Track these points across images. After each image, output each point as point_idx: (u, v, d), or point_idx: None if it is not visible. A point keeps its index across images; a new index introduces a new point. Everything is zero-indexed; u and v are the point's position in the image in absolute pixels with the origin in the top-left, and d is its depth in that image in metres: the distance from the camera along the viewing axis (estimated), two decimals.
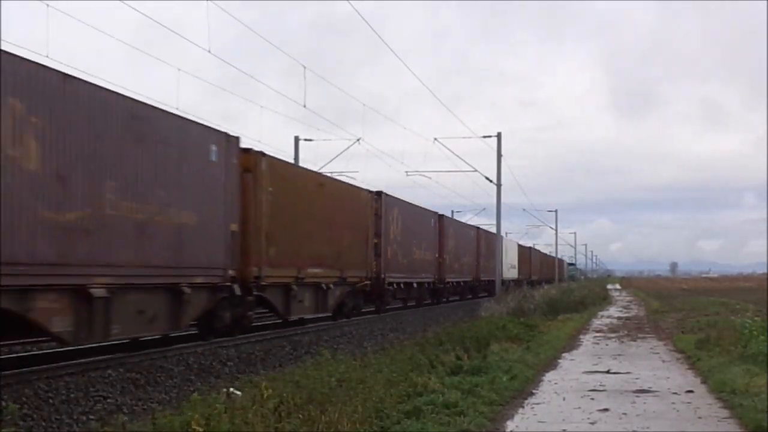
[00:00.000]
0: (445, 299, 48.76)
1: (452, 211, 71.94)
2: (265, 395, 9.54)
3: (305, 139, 45.35)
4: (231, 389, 10.79)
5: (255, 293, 23.09)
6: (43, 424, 12.02)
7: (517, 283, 62.41)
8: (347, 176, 37.36)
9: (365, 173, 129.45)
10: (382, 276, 35.54)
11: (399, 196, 37.49)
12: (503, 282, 56.95)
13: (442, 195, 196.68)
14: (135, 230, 17.61)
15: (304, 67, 30.56)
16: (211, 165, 20.93)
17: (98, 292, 16.38)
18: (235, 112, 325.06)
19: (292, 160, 36.42)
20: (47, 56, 16.58)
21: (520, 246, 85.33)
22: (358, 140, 43.34)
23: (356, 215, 32.40)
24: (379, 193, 36.28)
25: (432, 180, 56.41)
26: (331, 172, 37.65)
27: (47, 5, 17.96)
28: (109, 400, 13.82)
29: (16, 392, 13.14)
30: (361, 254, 32.68)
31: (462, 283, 52.05)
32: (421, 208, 43.98)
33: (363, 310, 34.54)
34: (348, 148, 44.17)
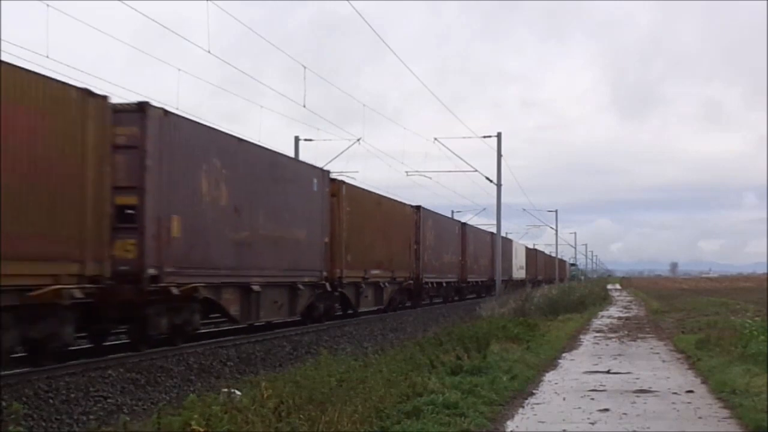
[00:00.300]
0: (464, 296, 50.30)
1: (452, 211, 65.08)
2: (265, 395, 8.50)
3: (305, 139, 39.42)
4: (231, 389, 9.52)
5: (338, 290, 27.03)
6: (43, 424, 10.67)
7: (524, 282, 62.18)
8: (347, 176, 34.21)
9: (365, 173, 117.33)
10: (420, 276, 37.82)
11: (399, 196, 37.41)
12: (513, 281, 55.55)
13: (442, 195, 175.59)
14: (273, 244, 21.66)
15: (305, 67, 26.95)
16: (313, 194, 24.73)
17: (256, 287, 20.56)
18: (236, 112, 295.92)
19: None
20: (47, 56, 15.90)
21: (527, 249, 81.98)
22: (358, 140, 37.51)
23: (402, 226, 35.43)
24: (417, 208, 38.44)
25: (432, 180, 52.25)
26: (331, 172, 34.72)
27: (47, 5, 16.73)
28: (109, 400, 12.30)
29: (17, 392, 11.70)
30: (405, 258, 35.62)
31: (479, 282, 54.26)
32: (447, 218, 46.08)
33: (407, 305, 37.48)
34: (348, 148, 38.26)
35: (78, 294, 13.65)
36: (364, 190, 30.71)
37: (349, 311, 29.70)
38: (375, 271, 30.51)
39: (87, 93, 14.14)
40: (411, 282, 36.16)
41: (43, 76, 13.32)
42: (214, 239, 18.39)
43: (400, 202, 36.01)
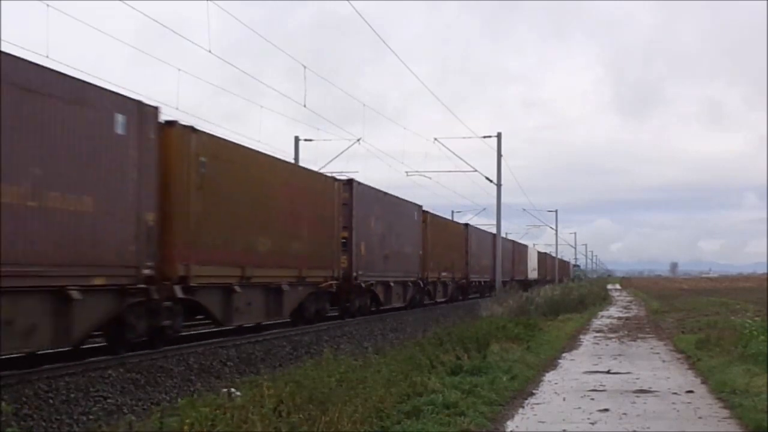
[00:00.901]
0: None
1: (452, 212, 55.72)
2: (266, 395, 6.45)
3: (305, 139, 32.40)
4: (231, 389, 7.47)
5: (426, 287, 32.51)
6: (43, 424, 8.74)
7: (537, 282, 60.51)
8: (347, 176, 28.80)
9: (365, 173, 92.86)
10: (469, 276, 40.73)
11: (399, 196, 34.03)
12: (528, 281, 58.25)
13: (442, 195, 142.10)
14: (397, 256, 27.50)
15: (305, 67, 21.61)
16: (414, 222, 30.32)
17: (391, 283, 27.09)
18: (236, 112, 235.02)
19: (292, 160, 27.39)
20: (47, 56, 13.03)
21: (539, 252, 74.73)
22: (358, 140, 31.08)
23: (458, 240, 38.81)
24: (466, 225, 41.16)
25: (432, 180, 40.42)
26: (332, 172, 30.56)
27: (47, 5, 14.20)
28: (109, 400, 10.00)
29: (17, 392, 9.60)
30: (460, 262, 39.40)
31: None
32: (483, 230, 47.55)
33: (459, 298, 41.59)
34: (348, 148, 31.16)
35: (333, 287, 21.18)
36: (439, 216, 36.36)
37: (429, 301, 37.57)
38: (444, 273, 35.82)
39: (334, 179, 21.91)
40: (464, 281, 40.91)
41: (323, 174, 20.92)
42: (375, 255, 25.02)
43: (457, 223, 41.61)
